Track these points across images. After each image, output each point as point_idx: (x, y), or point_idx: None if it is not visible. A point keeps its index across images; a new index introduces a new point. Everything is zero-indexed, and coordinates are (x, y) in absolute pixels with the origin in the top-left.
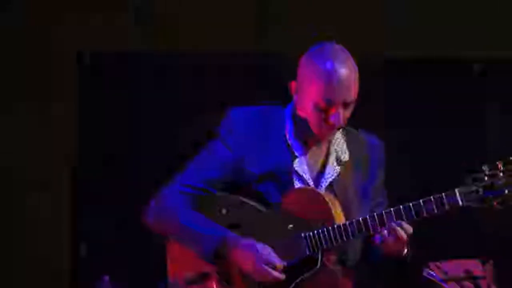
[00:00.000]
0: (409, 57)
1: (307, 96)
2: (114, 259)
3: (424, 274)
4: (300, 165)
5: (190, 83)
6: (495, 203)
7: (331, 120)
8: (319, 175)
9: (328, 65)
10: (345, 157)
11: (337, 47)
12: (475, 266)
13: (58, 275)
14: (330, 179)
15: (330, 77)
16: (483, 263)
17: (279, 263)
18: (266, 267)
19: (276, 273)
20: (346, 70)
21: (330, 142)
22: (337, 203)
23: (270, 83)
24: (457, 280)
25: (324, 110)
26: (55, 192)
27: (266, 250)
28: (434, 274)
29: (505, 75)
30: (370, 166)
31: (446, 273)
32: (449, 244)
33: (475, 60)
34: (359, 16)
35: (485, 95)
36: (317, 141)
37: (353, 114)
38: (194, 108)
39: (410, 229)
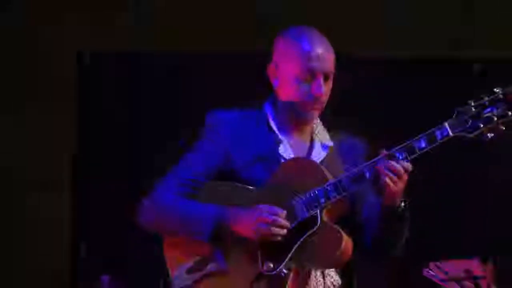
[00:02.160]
0: (409, 57)
1: (288, 72)
2: (114, 259)
3: (424, 274)
4: (285, 150)
5: (190, 83)
6: (484, 131)
7: (314, 90)
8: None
9: (306, 38)
10: (329, 143)
11: (310, 27)
12: (475, 266)
13: (58, 275)
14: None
15: (310, 48)
16: (483, 263)
17: (281, 211)
18: (271, 216)
19: (281, 220)
20: (324, 42)
21: (312, 129)
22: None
23: (270, 83)
24: (457, 280)
25: (306, 81)
26: (55, 192)
27: (266, 207)
28: (434, 274)
29: (505, 75)
30: (357, 160)
31: (446, 273)
32: (449, 244)
33: (475, 60)
34: (359, 16)
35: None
36: (301, 124)
37: (353, 114)
38: (194, 108)
39: (409, 166)
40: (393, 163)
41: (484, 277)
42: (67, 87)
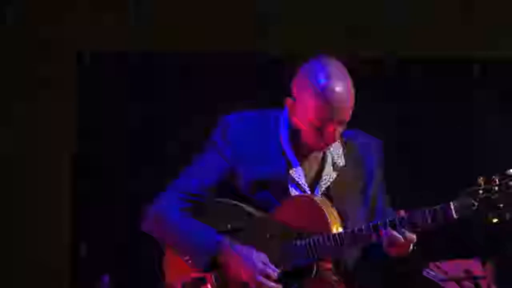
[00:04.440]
0: (409, 57)
1: (302, 114)
2: (114, 259)
3: (424, 274)
4: (296, 172)
5: (189, 83)
6: (490, 217)
7: (327, 138)
8: (315, 180)
9: (324, 85)
10: (341, 162)
11: (333, 63)
12: (475, 266)
13: (58, 275)
14: (327, 185)
15: (326, 98)
16: (483, 263)
17: (275, 273)
18: (262, 279)
19: (272, 284)
20: (343, 90)
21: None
22: (333, 209)
23: (270, 83)
24: (457, 280)
25: (320, 128)
26: (55, 192)
27: (262, 260)
28: (434, 274)
29: (505, 75)
30: (367, 166)
31: (446, 273)
32: (449, 244)
33: (475, 60)
34: (359, 16)
35: (485, 95)
36: (313, 150)
37: (353, 115)
38: (194, 108)
39: (413, 239)
40: (399, 236)
41: (484, 277)
42: (67, 87)
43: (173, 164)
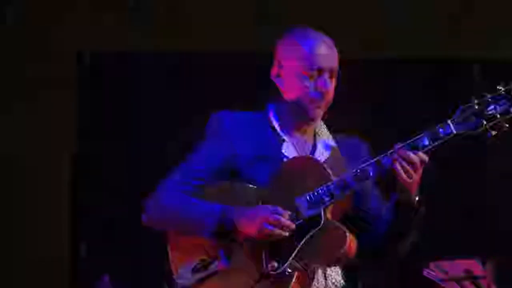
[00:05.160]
0: (409, 57)
1: (293, 70)
2: (114, 259)
3: (424, 274)
4: (288, 150)
5: (190, 83)
6: (487, 128)
7: (320, 86)
8: None
9: (311, 36)
10: (332, 143)
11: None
12: (475, 266)
13: (58, 275)
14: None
15: (315, 45)
16: (483, 263)
17: (286, 215)
18: (275, 216)
19: (285, 220)
20: (328, 40)
21: (315, 130)
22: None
23: (270, 83)
24: (457, 280)
25: (312, 77)
26: (55, 192)
27: (270, 209)
28: (434, 274)
29: (505, 75)
30: (359, 161)
31: (446, 273)
32: (449, 244)
33: (475, 60)
34: (359, 16)
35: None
36: (304, 124)
37: (353, 113)
38: (194, 108)
39: (425, 157)
40: (409, 153)
41: (484, 277)
42: (67, 87)
43: (173, 164)
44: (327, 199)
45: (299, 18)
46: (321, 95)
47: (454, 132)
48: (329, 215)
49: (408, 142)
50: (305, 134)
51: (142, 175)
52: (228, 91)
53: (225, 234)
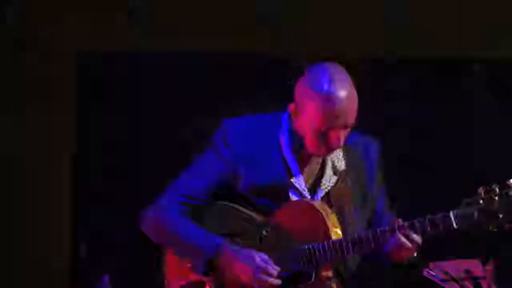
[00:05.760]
0: (409, 57)
1: (306, 121)
2: (114, 259)
3: (424, 274)
4: (297, 179)
5: (189, 83)
6: (489, 227)
7: (331, 143)
8: (315, 185)
9: (327, 91)
10: (341, 166)
11: (335, 68)
12: (475, 266)
13: (58, 275)
14: (327, 189)
15: (330, 105)
16: (483, 263)
17: (275, 272)
18: (263, 276)
19: (272, 279)
20: (345, 95)
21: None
22: (332, 214)
23: (270, 83)
24: (457, 280)
25: (324, 134)
26: (55, 193)
27: (262, 259)
28: (434, 274)
29: (505, 75)
30: (367, 169)
31: (446, 273)
32: (449, 244)
33: (475, 60)
34: (359, 16)
35: (485, 95)
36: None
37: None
38: (194, 108)
39: (419, 240)
40: (405, 240)
41: (484, 277)
42: (67, 87)
43: (173, 164)
44: (320, 260)
45: (299, 18)
46: (331, 150)
47: (455, 227)
48: (320, 272)
49: (408, 223)
50: (315, 158)
51: (142, 175)
52: (228, 91)
53: (214, 270)
